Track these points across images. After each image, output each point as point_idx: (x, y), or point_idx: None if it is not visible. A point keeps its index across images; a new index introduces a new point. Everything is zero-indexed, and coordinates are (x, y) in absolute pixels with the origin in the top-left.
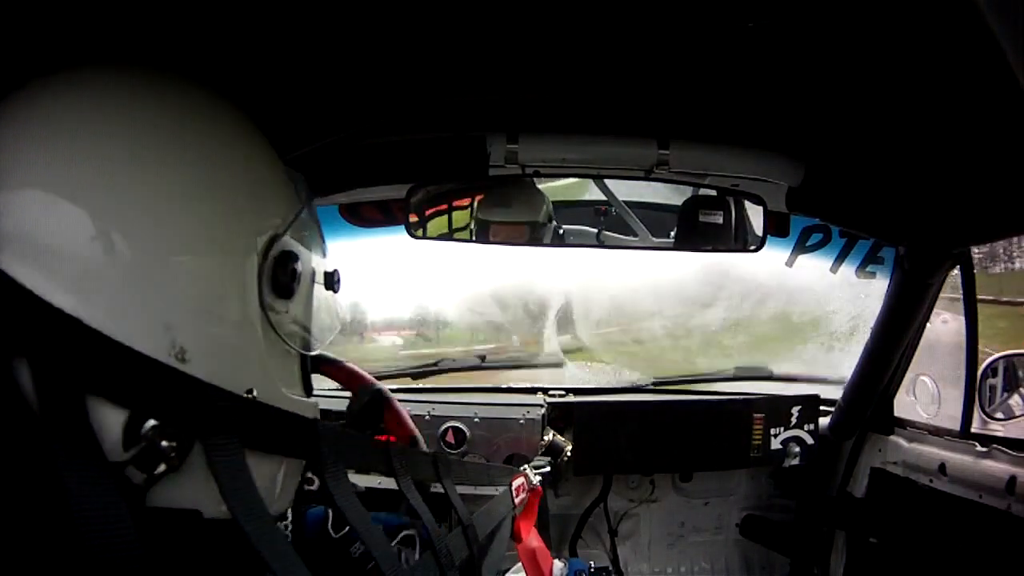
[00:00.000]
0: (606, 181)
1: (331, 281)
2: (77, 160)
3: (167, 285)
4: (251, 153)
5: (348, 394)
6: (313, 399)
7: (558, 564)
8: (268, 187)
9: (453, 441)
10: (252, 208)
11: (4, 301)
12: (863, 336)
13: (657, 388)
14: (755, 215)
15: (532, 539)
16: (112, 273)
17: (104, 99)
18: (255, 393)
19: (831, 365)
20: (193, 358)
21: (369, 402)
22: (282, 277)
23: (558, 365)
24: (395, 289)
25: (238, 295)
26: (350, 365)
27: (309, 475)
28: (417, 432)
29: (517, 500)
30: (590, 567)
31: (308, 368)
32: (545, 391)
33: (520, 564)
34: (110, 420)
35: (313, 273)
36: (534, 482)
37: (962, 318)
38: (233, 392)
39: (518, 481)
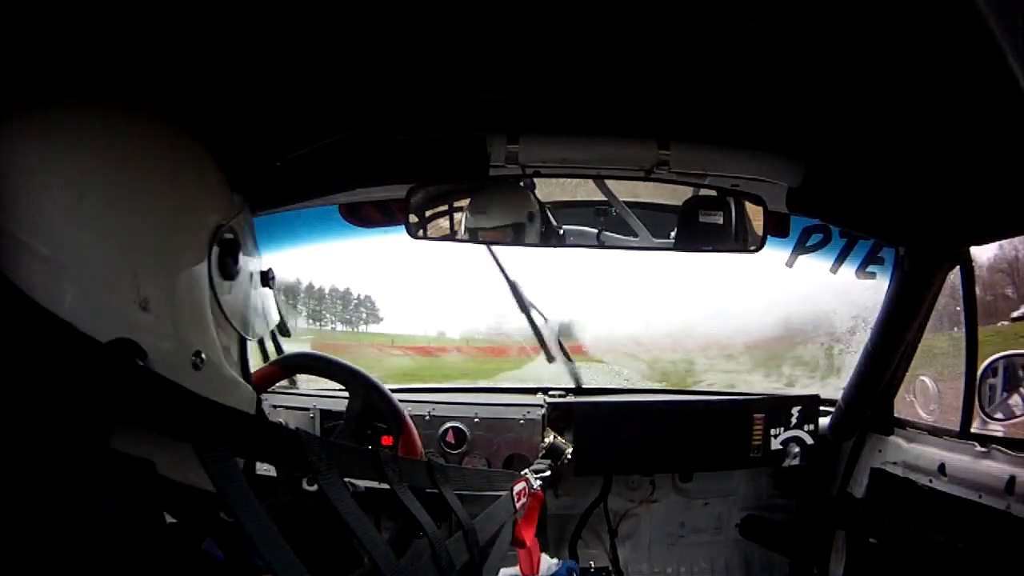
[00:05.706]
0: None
1: (267, 278)
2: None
3: (135, 245)
4: (203, 166)
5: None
6: (250, 387)
7: (547, 560)
8: (214, 187)
9: (453, 441)
10: (203, 202)
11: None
12: None
13: (657, 388)
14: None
15: (528, 537)
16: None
17: (89, 131)
18: (203, 356)
19: None
20: (154, 309)
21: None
22: (227, 259)
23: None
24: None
25: (193, 264)
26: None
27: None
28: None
29: (518, 504)
30: (590, 567)
31: (246, 355)
32: (545, 391)
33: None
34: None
35: (252, 268)
36: (535, 487)
37: None
38: (227, 404)
39: (519, 486)
